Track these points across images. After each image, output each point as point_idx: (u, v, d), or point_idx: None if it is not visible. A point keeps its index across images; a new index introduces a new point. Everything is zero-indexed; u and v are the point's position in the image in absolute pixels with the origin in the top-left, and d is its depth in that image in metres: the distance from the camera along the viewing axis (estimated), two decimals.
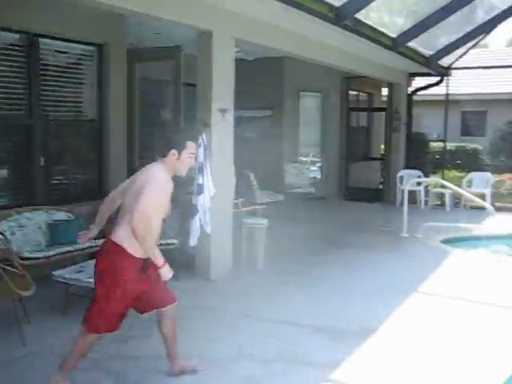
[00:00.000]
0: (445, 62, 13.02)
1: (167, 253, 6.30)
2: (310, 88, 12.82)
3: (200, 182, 6.30)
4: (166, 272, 3.66)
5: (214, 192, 6.43)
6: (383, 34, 9.26)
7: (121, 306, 3.66)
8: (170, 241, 6.39)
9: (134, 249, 3.56)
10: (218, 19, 6.49)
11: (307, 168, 13.28)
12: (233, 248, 7.02)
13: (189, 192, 6.67)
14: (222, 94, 6.67)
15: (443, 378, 4.18)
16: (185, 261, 6.62)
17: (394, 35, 9.67)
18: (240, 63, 7.46)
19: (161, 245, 6.31)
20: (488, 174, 12.50)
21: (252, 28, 7.10)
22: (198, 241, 6.43)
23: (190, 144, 3.84)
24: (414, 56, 11.04)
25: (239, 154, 7.22)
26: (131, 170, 6.66)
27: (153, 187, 3.52)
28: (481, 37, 13.07)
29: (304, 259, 7.69)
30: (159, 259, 3.60)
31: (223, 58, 6.67)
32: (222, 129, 6.69)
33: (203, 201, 6.32)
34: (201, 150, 6.28)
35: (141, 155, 7.99)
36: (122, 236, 3.58)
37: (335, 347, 4.66)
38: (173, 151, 3.75)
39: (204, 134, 6.38)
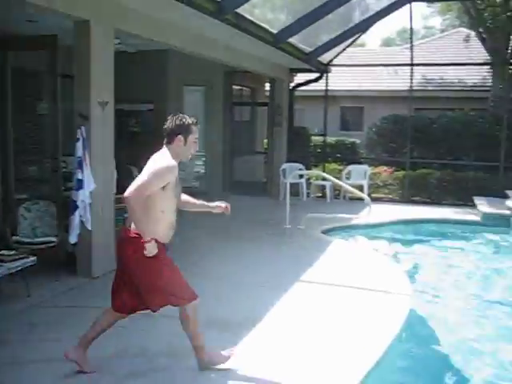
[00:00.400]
0: (324, 58, 13.50)
1: (46, 251, 6.12)
2: (193, 82, 12.76)
3: (79, 177, 6.08)
4: (151, 248, 3.74)
5: (94, 187, 6.23)
6: (265, 29, 9.43)
7: (176, 273, 3.96)
8: (47, 239, 6.12)
9: (153, 234, 3.76)
10: (96, 8, 6.28)
11: (191, 162, 13.24)
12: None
13: (68, 187, 6.41)
14: (102, 87, 6.47)
15: (320, 360, 4.34)
16: (65, 259, 6.37)
17: (275, 31, 9.88)
18: (121, 55, 7.27)
19: (37, 244, 6.14)
20: (365, 167, 13.14)
21: (133, 19, 6.94)
22: (78, 238, 6.21)
23: (195, 128, 3.98)
24: (295, 52, 11.33)
25: (121, 147, 7.04)
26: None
27: (150, 170, 3.72)
28: (357, 35, 13.69)
29: (188, 254, 7.66)
30: (146, 235, 3.72)
31: (102, 48, 6.46)
32: (102, 122, 6.49)
33: (83, 196, 6.11)
34: (79, 144, 6.07)
35: (16, 149, 7.57)
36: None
37: (224, 339, 4.68)
38: (179, 137, 3.89)
39: (83, 128, 6.16)
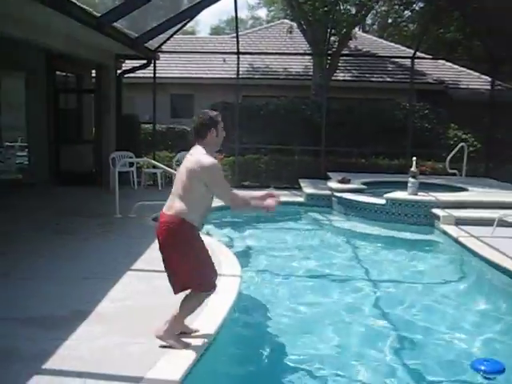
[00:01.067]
0: (152, 45, 13.32)
1: None
2: (11, 67, 11.89)
3: None
4: (270, 203, 4.33)
5: None
6: (87, 12, 9.05)
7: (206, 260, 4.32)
8: None
9: (192, 218, 4.12)
10: None
11: (13, 153, 12.40)
12: None
13: None
14: None
15: (155, 346, 4.30)
16: None
17: (99, 15, 9.53)
18: None
19: None
20: None
21: None
22: None
23: (219, 118, 4.25)
24: (120, 37, 11.03)
25: None
26: None
27: (216, 177, 4.15)
28: (184, 22, 13.70)
29: (12, 249, 7.16)
30: (254, 205, 4.50)
31: None
32: None
33: None
34: None
35: None
36: (179, 209, 4.10)
37: (48, 336, 4.44)
38: (212, 130, 4.18)
39: None
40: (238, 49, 14.01)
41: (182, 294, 4.34)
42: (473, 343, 5.21)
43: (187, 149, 4.40)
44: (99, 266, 6.61)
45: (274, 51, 19.66)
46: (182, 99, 19.19)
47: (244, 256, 8.05)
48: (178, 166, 12.82)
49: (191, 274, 4.23)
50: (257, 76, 18.70)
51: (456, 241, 8.45)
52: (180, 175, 4.22)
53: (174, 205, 4.17)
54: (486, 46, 15.48)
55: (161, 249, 4.25)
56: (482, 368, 4.56)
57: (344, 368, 4.68)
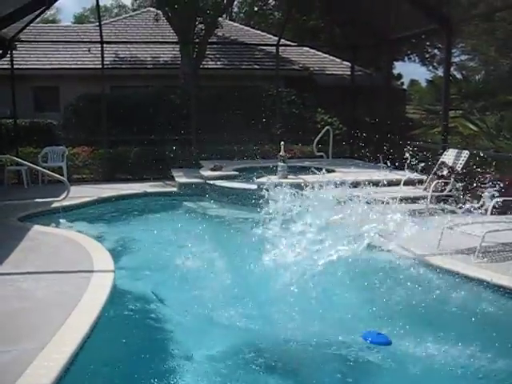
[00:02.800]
0: (7, 34, 12.55)
1: None
2: None
3: None
4: None
5: None
6: None
7: None
8: None
9: None
10: None
11: None
12: None
13: None
14: None
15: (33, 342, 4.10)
16: None
17: None
18: None
19: None
20: (63, 148, 12.70)
21: None
22: None
23: None
24: None
25: None
26: None
27: None
28: (42, 9, 13.03)
29: None
30: None
31: None
32: None
33: None
34: None
35: None
36: None
37: None
38: None
39: None
40: (101, 38, 13.59)
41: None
42: None
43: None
44: None
45: (141, 40, 19.28)
46: (46, 91, 18.26)
47: (119, 250, 7.91)
48: (45, 161, 12.31)
49: None
50: (124, 66, 18.24)
51: None
52: None
53: None
54: (345, 33, 16.25)
55: None
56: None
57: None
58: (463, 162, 9.41)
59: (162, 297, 6.12)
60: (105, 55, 13.81)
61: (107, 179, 12.92)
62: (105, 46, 13.81)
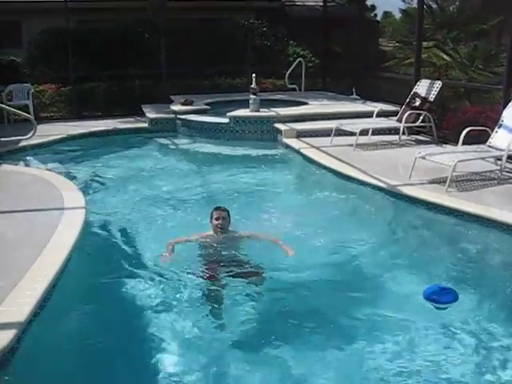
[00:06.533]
0: None
1: None
2: None
3: None
4: None
5: None
6: None
7: None
8: None
9: None
10: None
11: None
12: None
13: None
14: None
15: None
16: None
17: None
18: None
19: None
20: (28, 85, 12.26)
21: None
22: None
23: None
24: None
25: None
26: None
27: None
28: None
29: None
30: None
31: None
32: None
33: None
34: None
35: None
36: None
37: None
38: None
39: None
40: None
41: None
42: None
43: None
44: None
45: None
46: (6, 27, 17.48)
47: (91, 187, 7.85)
48: (10, 100, 11.91)
49: None
50: None
51: (298, 152, 8.85)
52: None
53: None
54: None
55: None
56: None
57: None
58: (436, 93, 9.36)
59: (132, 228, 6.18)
60: None
61: (76, 117, 12.61)
62: None
